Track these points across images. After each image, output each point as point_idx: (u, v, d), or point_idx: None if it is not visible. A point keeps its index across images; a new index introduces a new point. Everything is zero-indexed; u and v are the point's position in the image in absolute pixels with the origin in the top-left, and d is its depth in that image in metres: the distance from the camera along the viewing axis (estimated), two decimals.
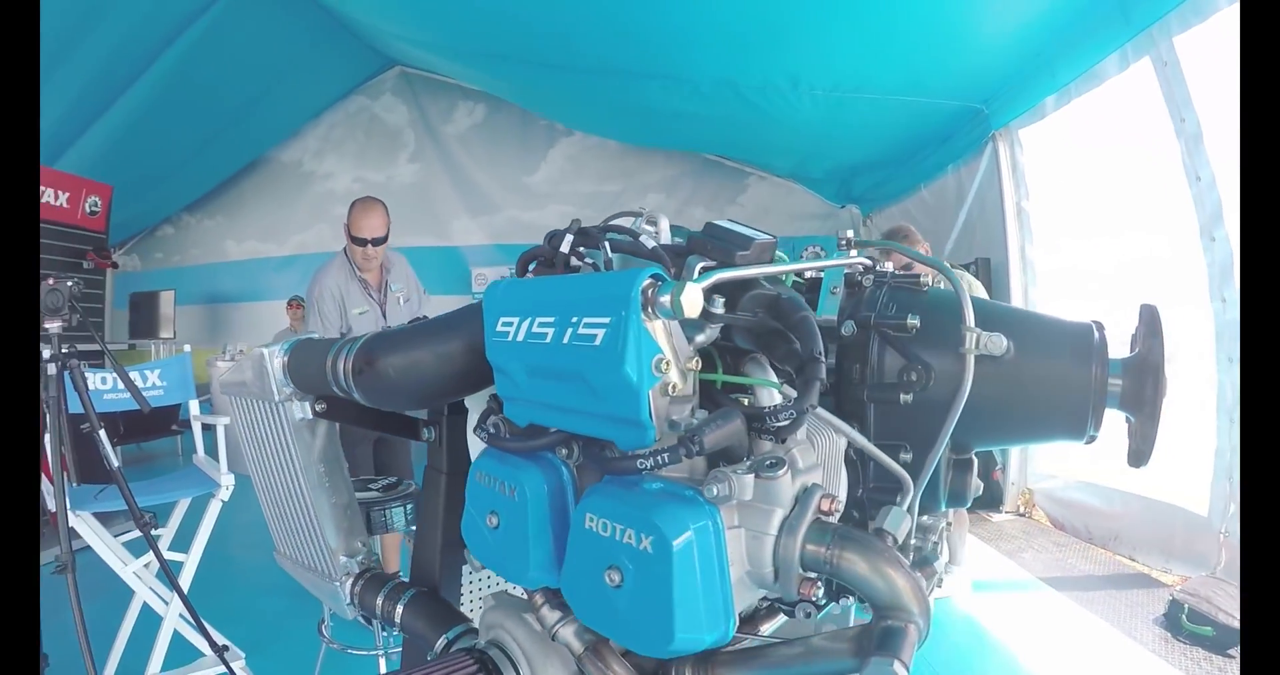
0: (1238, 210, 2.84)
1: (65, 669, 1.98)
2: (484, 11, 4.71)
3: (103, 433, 2.10)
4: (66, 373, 1.98)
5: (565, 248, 0.84)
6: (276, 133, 8.48)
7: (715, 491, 0.61)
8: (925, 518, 0.92)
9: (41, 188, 4.79)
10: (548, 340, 0.70)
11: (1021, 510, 4.58)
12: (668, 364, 0.63)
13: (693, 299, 0.60)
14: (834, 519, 0.67)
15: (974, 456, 0.90)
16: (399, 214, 8.57)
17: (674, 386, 0.65)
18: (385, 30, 6.41)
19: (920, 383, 0.81)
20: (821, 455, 0.75)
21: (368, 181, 8.49)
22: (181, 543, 2.59)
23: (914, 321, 0.81)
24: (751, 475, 0.62)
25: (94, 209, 5.19)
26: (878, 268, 0.93)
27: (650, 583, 0.61)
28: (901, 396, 0.81)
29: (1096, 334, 0.79)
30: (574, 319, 0.67)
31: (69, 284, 1.97)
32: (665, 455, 0.62)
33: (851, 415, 0.85)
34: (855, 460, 0.86)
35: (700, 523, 0.61)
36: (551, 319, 0.70)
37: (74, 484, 2.42)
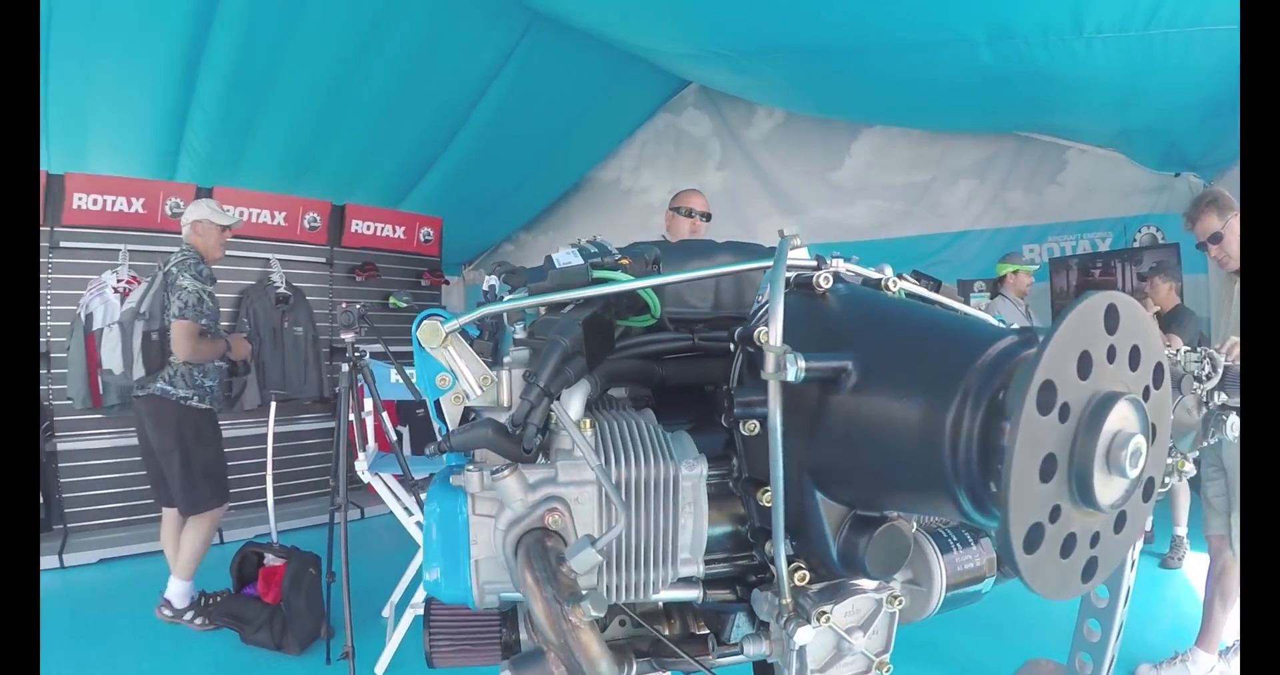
0: None
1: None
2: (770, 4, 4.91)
3: (385, 415, 2.85)
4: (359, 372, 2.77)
5: (484, 285, 1.05)
6: (594, 155, 9.56)
7: (453, 480, 0.79)
8: (872, 585, 0.76)
9: (383, 224, 6.25)
10: None
11: None
12: (445, 380, 0.83)
13: (425, 332, 0.79)
14: (559, 531, 0.73)
15: (888, 516, 0.69)
16: (711, 222, 9.05)
17: (459, 397, 0.84)
18: (675, 53, 6.86)
19: (740, 411, 0.73)
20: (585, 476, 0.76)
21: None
22: None
23: (765, 334, 0.68)
24: (478, 473, 0.76)
25: (427, 238, 6.64)
26: (829, 267, 0.79)
27: None
28: (743, 426, 0.74)
29: (991, 351, 0.52)
30: None
31: (358, 306, 2.74)
32: (434, 447, 0.82)
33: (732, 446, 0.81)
34: (739, 495, 0.82)
35: (446, 501, 0.78)
36: None
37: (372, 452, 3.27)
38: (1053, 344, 0.43)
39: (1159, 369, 0.51)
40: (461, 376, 0.85)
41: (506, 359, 0.87)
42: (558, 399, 0.77)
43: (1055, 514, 0.47)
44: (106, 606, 3.75)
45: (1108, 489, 0.47)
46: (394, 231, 6.24)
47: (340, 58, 6.35)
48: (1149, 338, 0.49)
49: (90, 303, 4.39)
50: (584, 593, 0.64)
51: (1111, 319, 0.47)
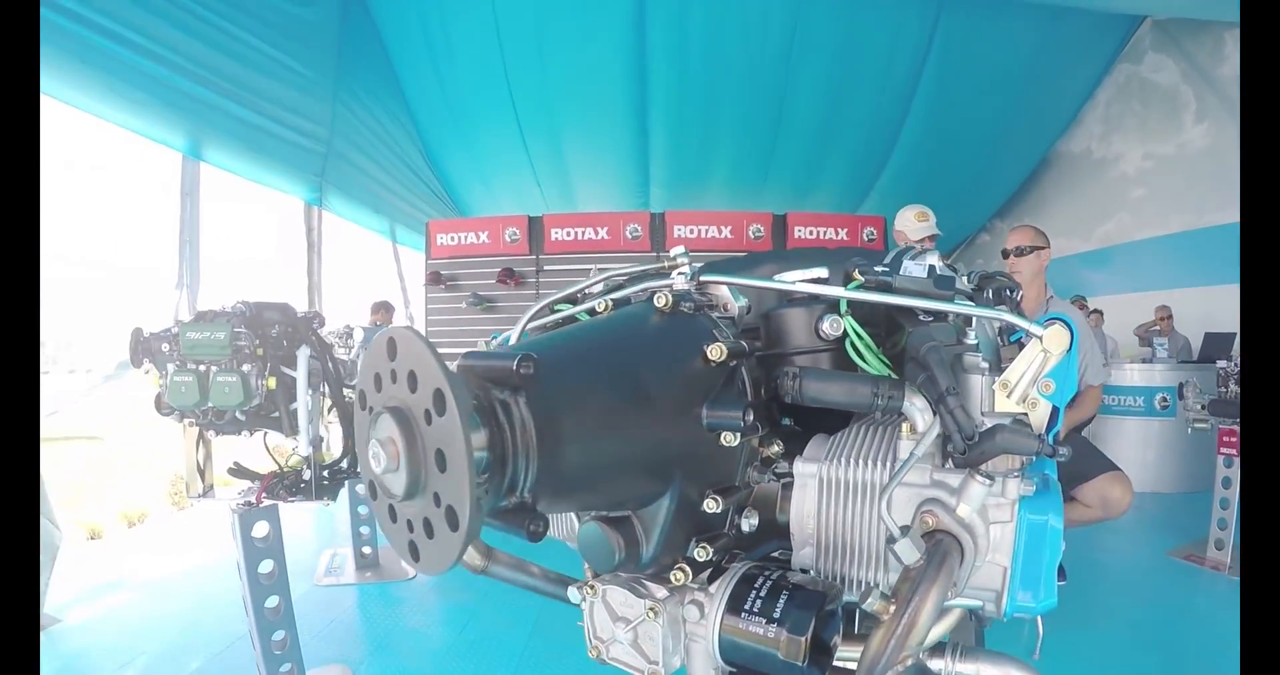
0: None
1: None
2: None
3: None
4: None
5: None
6: (1054, 126, 9.19)
7: None
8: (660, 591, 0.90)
9: (825, 227, 6.80)
10: None
11: None
12: None
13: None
14: None
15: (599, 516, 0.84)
16: (1196, 190, 8.26)
17: None
18: None
19: None
20: None
21: (1158, 157, 8.36)
22: None
23: None
24: None
25: (870, 237, 6.68)
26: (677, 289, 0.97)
27: None
28: None
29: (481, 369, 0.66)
30: None
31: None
32: None
33: None
34: None
35: None
36: None
37: None
38: (361, 365, 0.70)
39: (438, 395, 0.57)
40: None
41: None
42: None
43: (373, 488, 0.67)
44: None
45: (389, 479, 0.62)
46: (836, 233, 6.89)
47: (767, 80, 7.53)
48: (424, 366, 0.59)
49: None
50: None
51: (392, 348, 0.62)
